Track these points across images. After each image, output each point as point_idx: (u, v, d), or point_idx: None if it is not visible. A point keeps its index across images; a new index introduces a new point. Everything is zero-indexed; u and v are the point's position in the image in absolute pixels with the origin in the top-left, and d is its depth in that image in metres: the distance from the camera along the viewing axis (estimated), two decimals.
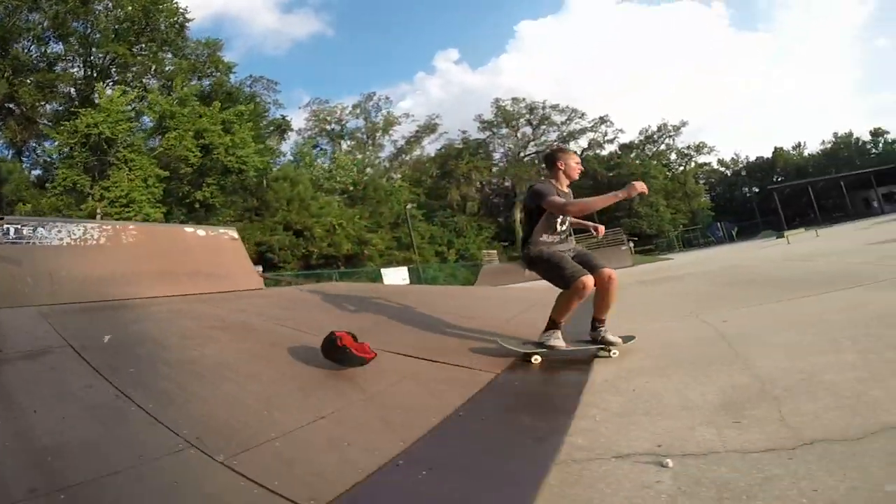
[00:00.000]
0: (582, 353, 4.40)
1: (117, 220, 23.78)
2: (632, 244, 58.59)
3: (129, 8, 32.78)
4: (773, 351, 3.55)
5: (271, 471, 2.07)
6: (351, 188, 42.46)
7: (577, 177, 4.68)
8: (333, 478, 2.09)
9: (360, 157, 61.45)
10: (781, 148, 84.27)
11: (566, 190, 4.60)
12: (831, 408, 2.32)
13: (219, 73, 40.93)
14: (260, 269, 23.45)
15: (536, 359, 4.25)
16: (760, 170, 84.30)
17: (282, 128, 53.58)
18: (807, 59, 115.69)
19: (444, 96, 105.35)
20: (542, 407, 3.27)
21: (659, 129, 75.61)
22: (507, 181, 67.95)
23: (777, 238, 32.06)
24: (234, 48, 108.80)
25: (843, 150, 78.59)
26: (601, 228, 5.03)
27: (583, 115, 71.40)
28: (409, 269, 36.37)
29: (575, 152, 4.96)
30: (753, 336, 4.14)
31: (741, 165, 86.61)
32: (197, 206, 28.27)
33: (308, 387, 3.23)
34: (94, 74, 34.15)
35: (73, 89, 33.84)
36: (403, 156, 68.04)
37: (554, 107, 70.74)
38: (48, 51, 33.01)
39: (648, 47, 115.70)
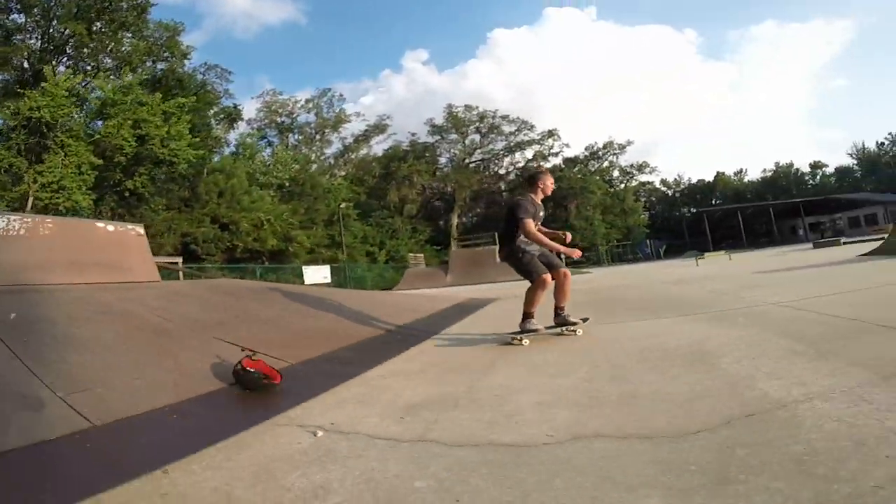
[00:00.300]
0: (552, 332, 5.51)
1: (47, 204, 25.36)
2: (563, 256, 61.74)
3: None
4: (515, 367, 4.20)
5: (86, 404, 3.10)
6: (287, 184, 43.79)
7: (549, 193, 6.05)
8: (119, 411, 3.13)
9: (304, 152, 63.40)
10: (723, 173, 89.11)
11: (539, 202, 5.93)
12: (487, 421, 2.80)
13: (174, 59, 42.10)
14: (180, 260, 25.22)
15: (526, 341, 5.30)
16: (700, 192, 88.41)
17: (232, 116, 54.58)
18: (765, 90, 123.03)
19: (407, 95, 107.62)
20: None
21: (604, 146, 79.11)
22: (449, 187, 70.22)
23: (696, 259, 34.82)
24: (203, 27, 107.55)
25: (782, 179, 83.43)
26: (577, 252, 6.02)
27: (532, 126, 74.79)
28: (333, 268, 38.28)
29: (550, 172, 6.33)
30: (521, 354, 4.80)
31: (683, 186, 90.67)
32: (127, 194, 29.40)
33: (142, 360, 4.18)
34: (52, 48, 35.15)
35: (26, 62, 34.31)
36: (350, 154, 70.19)
37: (504, 117, 73.88)
38: (8, 21, 33.46)
39: (617, 66, 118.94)
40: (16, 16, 33.88)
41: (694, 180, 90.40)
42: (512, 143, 75.25)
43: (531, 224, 5.55)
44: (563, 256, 6.23)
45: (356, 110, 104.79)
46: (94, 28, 35.47)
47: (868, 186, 71.73)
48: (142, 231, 10.20)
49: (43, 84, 27.93)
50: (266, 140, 63.14)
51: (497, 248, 36.26)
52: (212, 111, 49.65)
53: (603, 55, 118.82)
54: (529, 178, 6.25)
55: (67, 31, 33.92)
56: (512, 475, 2.05)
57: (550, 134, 75.36)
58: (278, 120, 64.99)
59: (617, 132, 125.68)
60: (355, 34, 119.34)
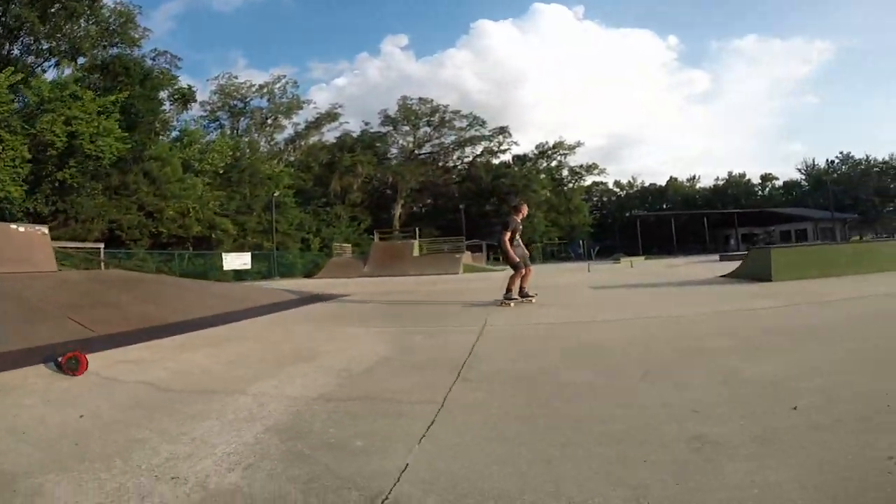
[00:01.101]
0: (515, 301, 9.43)
1: None
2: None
3: None
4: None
5: None
6: (221, 171, 47.62)
7: (525, 215, 10.61)
8: None
9: (254, 136, 67.50)
10: (675, 178, 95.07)
11: (519, 220, 10.08)
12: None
13: (124, 45, 46.06)
14: (101, 247, 29.15)
15: (512, 304, 9.27)
16: (652, 195, 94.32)
17: (185, 97, 58.24)
18: (736, 100, 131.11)
19: (380, 80, 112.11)
20: None
21: (554, 146, 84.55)
22: (390, 177, 75.16)
23: (613, 262, 39.01)
24: None
25: (732, 189, 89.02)
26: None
27: (483, 123, 80.00)
28: (261, 255, 42.83)
29: (525, 203, 11.45)
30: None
31: (636, 189, 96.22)
32: (57, 185, 33.25)
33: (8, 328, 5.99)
34: (6, 32, 39.26)
35: None
36: (301, 141, 74.39)
37: (455, 112, 79.01)
38: None
39: (596, 66, 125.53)
40: None
41: (647, 183, 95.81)
42: (462, 139, 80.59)
43: (507, 236, 9.72)
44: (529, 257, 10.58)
45: (329, 92, 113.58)
46: (49, 12, 39.38)
47: (811, 202, 77.38)
48: (45, 231, 13.84)
49: None
50: (218, 122, 67.93)
51: (415, 242, 40.64)
52: (165, 92, 53.48)
53: (584, 54, 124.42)
54: (514, 206, 10.72)
55: (21, 17, 37.82)
56: None
57: (501, 131, 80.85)
58: (231, 103, 68.48)
59: (588, 131, 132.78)
60: (336, 14, 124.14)
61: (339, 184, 68.99)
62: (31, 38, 40.91)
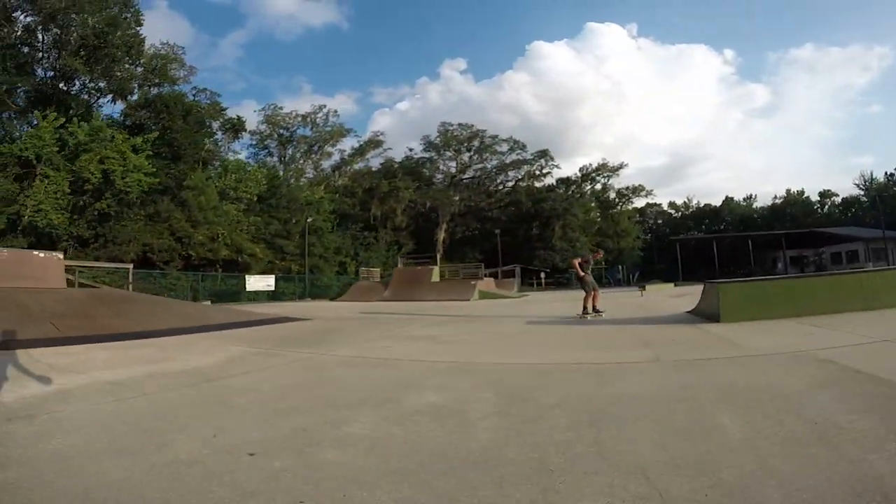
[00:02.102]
0: (590, 315, 12.93)
1: (30, 221, 33.50)
2: (543, 275, 66.72)
3: (91, 22, 42.11)
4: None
5: None
6: (255, 199, 50.77)
7: (598, 258, 17.71)
8: None
9: (300, 164, 71.32)
10: (732, 198, 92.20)
11: (590, 261, 14.99)
12: None
13: (165, 85, 51.12)
14: (130, 266, 32.03)
15: (588, 317, 12.81)
16: (707, 216, 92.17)
17: (235, 127, 63.58)
18: (799, 113, 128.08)
19: (440, 103, 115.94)
20: None
21: (597, 168, 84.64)
22: (429, 203, 76.83)
23: (637, 289, 37.99)
24: (246, 26, 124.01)
25: (791, 207, 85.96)
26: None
27: (523, 146, 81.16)
28: (287, 278, 45.89)
29: (594, 251, 18.76)
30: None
31: (692, 210, 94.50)
32: (96, 213, 37.35)
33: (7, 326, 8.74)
34: (60, 76, 43.83)
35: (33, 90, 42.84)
36: (346, 167, 77.73)
37: (494, 137, 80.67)
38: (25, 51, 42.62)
39: (653, 83, 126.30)
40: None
41: (702, 204, 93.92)
42: (503, 163, 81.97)
43: (577, 262, 14.25)
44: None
45: (392, 116, 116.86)
46: (93, 59, 43.63)
47: (870, 219, 72.40)
48: (60, 256, 17.91)
49: (32, 127, 37.61)
50: (267, 150, 72.66)
51: (434, 268, 41.84)
52: (216, 123, 59.08)
53: (640, 72, 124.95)
54: (590, 250, 19.70)
55: (68, 65, 42.08)
56: None
57: (542, 155, 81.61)
58: (278, 132, 73.01)
59: (648, 150, 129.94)
60: (396, 41, 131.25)
61: (380, 209, 71.31)
62: (86, 78, 45.13)
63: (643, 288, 39.06)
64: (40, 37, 42.69)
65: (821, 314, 9.15)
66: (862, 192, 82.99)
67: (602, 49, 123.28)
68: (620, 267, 67.45)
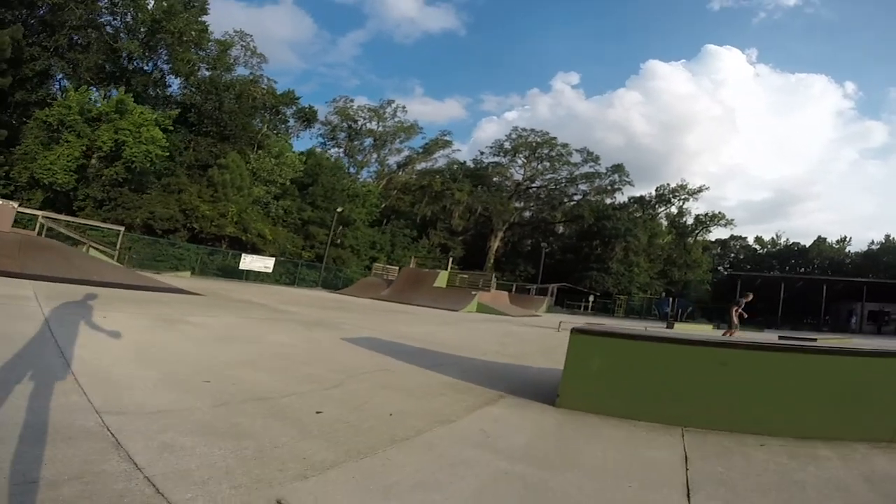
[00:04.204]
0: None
1: (37, 177, 36.10)
2: (591, 299, 63.69)
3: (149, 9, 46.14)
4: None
5: None
6: (287, 183, 51.56)
7: (749, 300, 18.45)
8: None
9: (367, 157, 72.63)
10: (824, 239, 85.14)
11: (744, 302, 18.11)
12: None
13: (220, 69, 53.83)
14: (122, 229, 33.19)
15: None
16: (793, 256, 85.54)
17: (307, 117, 66.82)
18: None
19: (549, 116, 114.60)
20: None
21: (674, 190, 79.57)
22: (480, 208, 74.77)
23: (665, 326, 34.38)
24: (366, 27, 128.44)
25: (888, 255, 77.40)
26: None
27: (597, 158, 78.02)
28: (303, 264, 46.19)
29: (745, 295, 18.44)
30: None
31: (778, 248, 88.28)
32: (112, 179, 39.07)
33: None
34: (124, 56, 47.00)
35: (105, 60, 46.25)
36: (411, 165, 78.19)
37: (564, 146, 78.31)
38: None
39: (766, 114, 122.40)
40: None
41: (790, 242, 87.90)
42: (574, 175, 78.99)
43: (733, 310, 18.02)
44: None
45: (499, 125, 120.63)
46: (151, 44, 47.51)
47: None
48: (15, 205, 20.97)
49: (61, 98, 39.96)
50: (335, 141, 74.09)
51: (443, 272, 40.14)
52: (290, 110, 63.17)
53: (754, 101, 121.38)
54: (746, 294, 18.50)
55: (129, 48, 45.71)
56: None
57: (616, 169, 78.03)
58: (347, 124, 74.09)
59: (751, 183, 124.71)
60: (512, 50, 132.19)
61: (431, 209, 70.80)
62: (147, 59, 49.24)
63: (671, 325, 35.96)
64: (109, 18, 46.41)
65: (762, 434, 4.24)
66: None
67: (719, 73, 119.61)
68: (672, 300, 62.20)
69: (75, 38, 43.15)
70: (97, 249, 27.30)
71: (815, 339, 24.32)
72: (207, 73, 52.25)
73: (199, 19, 49.46)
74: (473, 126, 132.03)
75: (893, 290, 56.38)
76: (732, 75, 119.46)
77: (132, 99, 40.21)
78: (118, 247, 31.30)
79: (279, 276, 44.12)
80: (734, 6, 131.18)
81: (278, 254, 45.89)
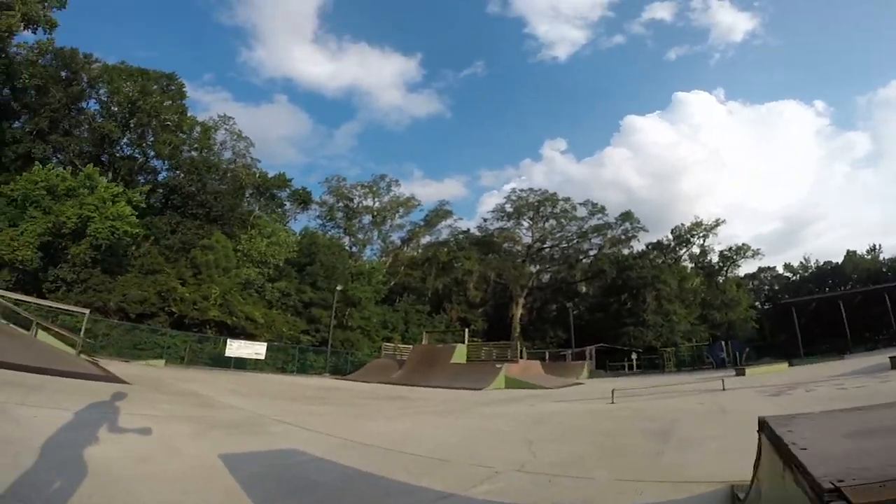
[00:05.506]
0: None
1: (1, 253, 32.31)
2: (635, 356, 57.31)
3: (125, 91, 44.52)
4: None
5: None
6: (281, 263, 47.41)
7: None
8: None
9: (367, 235, 69.13)
10: (855, 252, 79.77)
11: None
12: None
13: (204, 150, 51.56)
14: (87, 312, 27.71)
15: None
16: (830, 276, 79.87)
17: (303, 199, 64.67)
18: None
19: (546, 184, 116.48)
20: None
21: (690, 228, 74.57)
22: (493, 275, 70.03)
23: (735, 374, 28.22)
24: (358, 118, 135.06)
25: None
26: None
27: (603, 209, 74.54)
28: (305, 350, 41.54)
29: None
30: None
31: (810, 271, 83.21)
32: (73, 258, 35.17)
33: None
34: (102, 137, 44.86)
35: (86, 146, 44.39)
36: (414, 240, 74.29)
37: (566, 199, 75.60)
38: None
39: (750, 145, 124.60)
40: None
41: (822, 262, 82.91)
42: (583, 229, 75.32)
43: None
44: None
45: (499, 198, 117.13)
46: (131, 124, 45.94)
47: None
48: None
49: (27, 172, 36.44)
50: (334, 222, 70.89)
51: (461, 346, 34.53)
52: (284, 193, 61.63)
53: (735, 136, 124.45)
54: None
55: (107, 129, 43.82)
56: None
57: (626, 217, 74.28)
58: (343, 203, 71.35)
59: (758, 216, 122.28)
60: (497, 125, 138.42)
61: (441, 281, 65.95)
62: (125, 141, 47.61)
63: (742, 371, 29.81)
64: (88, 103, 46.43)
65: None
66: None
67: (694, 117, 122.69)
68: (725, 343, 55.76)
69: (59, 120, 42.31)
70: (53, 333, 21.99)
71: None
72: (194, 155, 50.27)
73: (179, 102, 48.50)
74: (476, 202, 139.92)
75: None
76: (707, 117, 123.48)
77: (98, 173, 37.70)
78: (82, 332, 25.57)
79: (279, 363, 38.75)
80: (689, 53, 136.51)
81: (274, 338, 40.40)
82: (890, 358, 20.62)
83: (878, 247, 79.89)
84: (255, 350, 35.51)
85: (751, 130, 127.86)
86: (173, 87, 48.31)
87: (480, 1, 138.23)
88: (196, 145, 50.48)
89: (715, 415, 11.63)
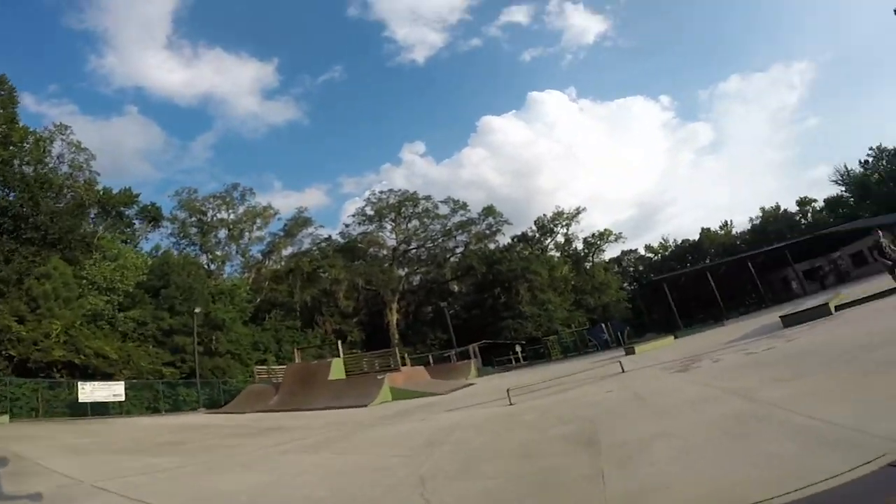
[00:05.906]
0: None
1: None
2: (519, 349, 56.38)
3: None
4: None
5: None
6: (130, 289, 42.19)
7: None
8: None
9: (226, 250, 64.62)
10: (709, 229, 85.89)
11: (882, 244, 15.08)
12: None
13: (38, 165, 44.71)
14: None
15: None
16: (689, 253, 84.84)
17: (153, 216, 59.71)
18: (744, 142, 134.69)
19: (408, 187, 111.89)
20: None
21: (553, 218, 77.11)
22: (361, 281, 67.50)
23: (625, 353, 28.26)
24: (214, 129, 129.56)
25: (771, 225, 79.00)
26: None
27: (464, 205, 74.04)
28: (176, 384, 36.47)
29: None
30: None
31: (670, 250, 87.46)
32: None
33: None
34: None
35: None
36: (276, 252, 69.66)
37: (427, 197, 74.50)
38: None
39: (605, 139, 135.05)
40: None
41: (679, 241, 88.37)
42: (447, 227, 74.51)
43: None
44: None
45: (362, 204, 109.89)
46: None
47: (865, 213, 64.39)
48: None
49: None
50: (189, 239, 64.51)
51: (336, 360, 32.11)
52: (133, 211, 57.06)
53: (588, 132, 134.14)
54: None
55: None
56: None
57: (489, 212, 74.26)
58: (196, 217, 65.41)
59: (613, 205, 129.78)
60: (355, 130, 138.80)
61: (309, 293, 61.96)
62: None
63: (631, 350, 29.46)
64: None
65: None
66: (842, 189, 76.40)
67: (548, 116, 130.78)
68: (605, 325, 56.64)
69: None
70: None
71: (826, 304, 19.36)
72: (29, 171, 43.05)
73: (11, 109, 41.34)
74: (339, 210, 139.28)
75: (811, 246, 54.40)
76: (561, 115, 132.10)
77: None
78: None
79: (146, 403, 33.56)
80: (543, 55, 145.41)
81: (134, 374, 34.95)
82: (780, 317, 20.67)
83: (730, 222, 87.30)
84: (112, 392, 30.10)
85: (602, 125, 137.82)
86: (3, 92, 41.06)
87: (341, 4, 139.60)
88: (27, 158, 43.42)
89: (633, 404, 10.01)
